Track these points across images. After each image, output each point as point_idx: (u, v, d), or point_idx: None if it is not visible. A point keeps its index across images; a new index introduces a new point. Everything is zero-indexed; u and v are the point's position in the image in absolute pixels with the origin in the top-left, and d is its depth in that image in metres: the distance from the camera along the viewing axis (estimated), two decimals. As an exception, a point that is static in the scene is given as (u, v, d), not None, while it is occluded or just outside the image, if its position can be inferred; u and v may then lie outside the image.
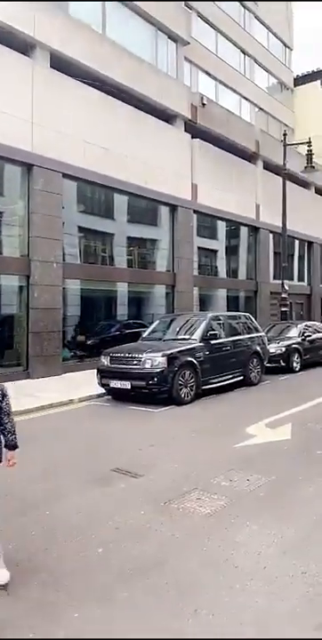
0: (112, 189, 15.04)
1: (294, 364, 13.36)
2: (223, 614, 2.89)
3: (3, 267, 12.02)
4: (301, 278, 26.45)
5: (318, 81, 33.11)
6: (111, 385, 9.37)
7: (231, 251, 21.68)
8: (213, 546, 3.71)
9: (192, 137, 18.03)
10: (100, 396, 9.86)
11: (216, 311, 17.19)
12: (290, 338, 14.00)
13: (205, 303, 19.43)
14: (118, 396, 9.54)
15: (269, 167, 22.42)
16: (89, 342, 14.55)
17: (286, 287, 18.01)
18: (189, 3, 20.07)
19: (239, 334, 11.46)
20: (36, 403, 9.06)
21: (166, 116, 17.13)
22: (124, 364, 9.29)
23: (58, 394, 9.91)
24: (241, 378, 10.99)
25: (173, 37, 18.02)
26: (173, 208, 17.19)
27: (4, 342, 12.55)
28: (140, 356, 9.14)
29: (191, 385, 9.36)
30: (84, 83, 13.74)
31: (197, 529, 3.98)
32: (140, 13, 16.50)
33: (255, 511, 4.29)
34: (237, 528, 3.98)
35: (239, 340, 11.29)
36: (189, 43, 18.83)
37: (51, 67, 12.94)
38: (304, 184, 25.90)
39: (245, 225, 21.50)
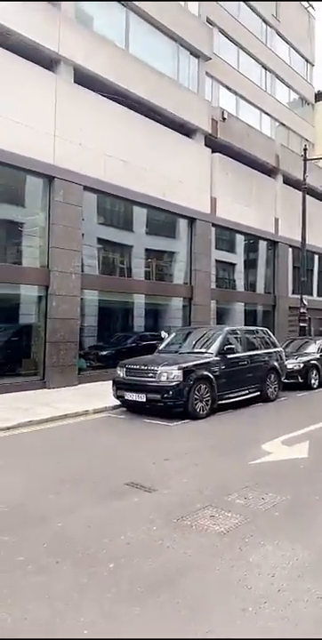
0: (131, 202, 15.17)
1: (312, 381, 13.17)
2: (235, 637, 2.82)
3: (22, 277, 12.18)
4: (320, 293, 26.16)
5: (340, 96, 32.98)
6: (126, 397, 9.35)
7: (250, 264, 21.60)
8: (226, 565, 3.64)
9: (212, 151, 18.12)
10: (115, 407, 9.85)
11: (234, 325, 17.08)
12: (308, 354, 13.83)
13: (222, 317, 19.35)
14: (133, 409, 9.52)
15: (288, 181, 22.37)
16: (104, 353, 14.60)
17: (305, 302, 17.85)
18: (212, 19, 20.26)
19: (256, 349, 11.35)
20: (51, 413, 9.09)
21: (187, 130, 17.25)
22: (139, 377, 9.27)
23: (73, 404, 9.94)
24: (258, 393, 10.87)
25: (194, 53, 18.19)
26: (192, 221, 17.23)
27: (22, 351, 12.67)
28: (156, 368, 9.11)
29: (207, 399, 9.29)
30: (105, 97, 13.95)
31: (210, 547, 3.91)
32: (162, 29, 16.72)
33: (270, 531, 4.20)
34: (251, 548, 3.90)
35: (256, 354, 11.18)
36: (210, 58, 18.99)
37: (74, 81, 13.18)
38: (324, 199, 25.70)
39: (264, 239, 21.42)
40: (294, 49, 28.90)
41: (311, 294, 24.47)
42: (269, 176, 21.85)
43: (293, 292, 22.00)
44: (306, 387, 12.92)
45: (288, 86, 28.64)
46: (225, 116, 18.71)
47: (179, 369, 8.99)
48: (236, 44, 23.30)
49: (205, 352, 10.15)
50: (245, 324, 18.92)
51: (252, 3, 24.24)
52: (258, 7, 24.85)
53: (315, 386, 13.19)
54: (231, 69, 22.94)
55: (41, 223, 12.63)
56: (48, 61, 12.64)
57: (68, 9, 13.19)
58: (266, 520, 4.44)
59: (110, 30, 15.02)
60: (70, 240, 12.71)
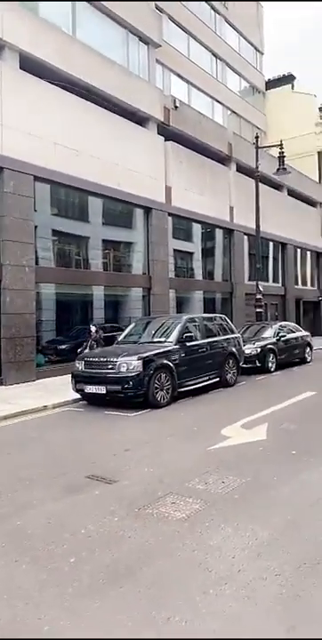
0: (86, 192, 14.94)
1: (270, 365, 13.49)
2: (196, 621, 2.84)
3: (-27, 272, 11.77)
4: (275, 279, 26.77)
5: (289, 85, 33.67)
6: (86, 390, 9.25)
7: (207, 253, 21.79)
8: (187, 551, 3.66)
9: (165, 139, 18.06)
10: (75, 401, 9.73)
11: (193, 313, 17.22)
12: (265, 338, 14.13)
13: (181, 305, 19.47)
14: (94, 402, 9.43)
15: (242, 170, 22.64)
16: (63, 347, 14.39)
17: (261, 288, 18.17)
18: (160, 5, 20.12)
19: (215, 336, 11.48)
20: (9, 410, 8.88)
21: (139, 119, 17.11)
22: (98, 369, 9.19)
23: (32, 400, 9.74)
24: (217, 379, 11.02)
25: (144, 40, 18.02)
26: (148, 210, 17.17)
27: (-24, 349, 12.28)
28: (115, 359, 9.05)
29: (167, 388, 9.32)
30: (54, 85, 13.61)
31: (171, 534, 3.92)
32: (110, 15, 16.45)
33: (230, 514, 4.26)
34: (211, 531, 3.94)
35: (215, 341, 11.31)
36: (160, 45, 18.87)
37: (20, 68, 12.77)
38: (277, 186, 26.24)
39: (220, 227, 21.64)
40: (244, 37, 29.20)
41: (267, 280, 25.01)
42: (223, 164, 22.05)
43: (250, 279, 22.38)
44: (264, 370, 13.21)
45: (239, 74, 28.95)
46: (177, 104, 18.68)
47: (138, 359, 8.97)
48: (186, 31, 23.28)
49: (165, 341, 10.18)
50: (205, 312, 19.13)
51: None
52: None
53: (272, 369, 13.52)
54: (182, 57, 22.93)
55: (-9, 216, 12.23)
56: (-8, 47, 12.19)
57: (11, -7, 12.72)
58: (226, 503, 4.49)
59: (57, 16, 14.61)
60: (22, 232, 12.38)
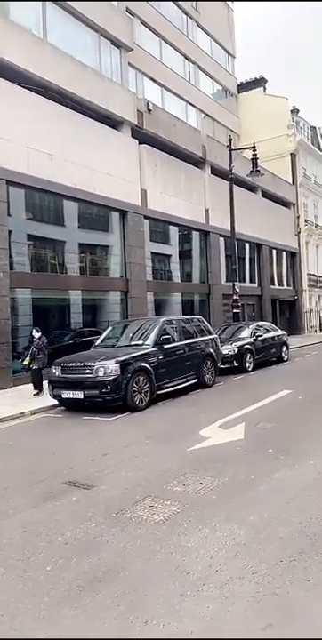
0: (60, 196, 14.84)
1: (247, 364, 13.61)
2: (174, 623, 2.84)
3: None
4: (252, 280, 27.07)
5: (261, 88, 34.12)
6: (63, 395, 9.17)
7: (184, 255, 21.89)
8: (165, 553, 3.66)
9: (139, 143, 18.08)
10: (52, 407, 9.64)
11: (171, 315, 17.25)
12: (242, 338, 14.26)
13: (160, 308, 19.50)
14: (72, 407, 9.36)
15: (216, 172, 22.84)
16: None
17: (237, 289, 18.35)
18: (131, 9, 20.15)
19: (192, 337, 11.54)
20: (-16, 419, 8.73)
21: (112, 122, 17.10)
22: (75, 374, 9.12)
23: (8, 407, 9.61)
24: (195, 380, 11.06)
25: (116, 43, 18.03)
26: (123, 214, 17.16)
27: None
28: (93, 364, 9.00)
29: (146, 391, 9.31)
30: (26, 88, 13.48)
31: (149, 537, 3.91)
32: (81, 19, 16.42)
33: (208, 514, 4.27)
34: (189, 533, 3.94)
35: (192, 342, 11.36)
36: (132, 49, 18.91)
37: (-10, 72, 12.63)
38: (251, 188, 26.56)
39: (196, 229, 21.77)
40: (215, 41, 29.45)
41: (244, 281, 25.25)
42: (197, 167, 22.20)
43: (227, 280, 22.57)
44: (241, 370, 13.33)
45: (211, 78, 29.19)
46: (150, 108, 18.74)
47: (116, 362, 8.94)
48: (158, 35, 23.36)
49: (143, 344, 10.18)
50: (183, 314, 19.20)
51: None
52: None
53: (250, 369, 13.65)
54: (155, 61, 22.99)
55: None
56: None
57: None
58: (204, 504, 4.51)
59: (26, 18, 14.49)
60: (-4, 238, 12.22)
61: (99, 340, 11.37)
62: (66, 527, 4.16)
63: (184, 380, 10.69)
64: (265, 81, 34.75)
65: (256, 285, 27.32)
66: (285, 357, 16.31)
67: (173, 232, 20.93)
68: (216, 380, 11.84)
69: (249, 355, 13.84)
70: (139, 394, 9.14)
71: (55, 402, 9.60)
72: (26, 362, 11.10)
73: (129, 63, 19.42)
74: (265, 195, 28.71)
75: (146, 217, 18.23)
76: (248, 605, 2.97)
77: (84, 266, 16.33)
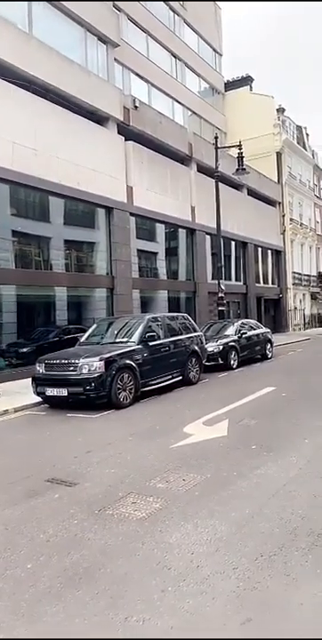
0: (46, 192, 14.72)
1: (232, 362, 13.69)
2: (154, 619, 2.85)
3: None
4: (237, 278, 27.21)
5: (247, 86, 34.26)
6: (47, 393, 9.12)
7: (170, 252, 21.91)
8: (146, 550, 3.67)
9: (126, 139, 18.02)
10: (36, 404, 9.58)
11: (157, 313, 17.25)
12: (227, 336, 14.34)
13: (146, 305, 19.49)
14: (56, 404, 9.31)
15: (202, 170, 22.88)
16: (24, 350, 14.13)
17: (223, 287, 18.42)
18: (118, 4, 20.05)
19: (178, 334, 11.56)
20: None
21: (98, 118, 17.01)
22: (60, 371, 9.07)
23: (-9, 405, 9.50)
24: (180, 377, 11.09)
25: (102, 39, 17.93)
26: (109, 210, 17.10)
27: None
28: (77, 361, 8.96)
29: (130, 388, 9.31)
30: (11, 83, 13.34)
31: (131, 534, 3.92)
32: (67, 14, 16.29)
33: (190, 511, 4.29)
34: (171, 529, 3.96)
35: (178, 340, 11.38)
36: (118, 45, 18.83)
37: (-26, 65, 12.47)
38: (237, 186, 26.66)
39: (183, 227, 21.79)
40: (203, 38, 29.48)
41: (230, 279, 25.38)
42: (184, 164, 22.21)
43: (213, 278, 22.65)
44: (226, 367, 13.40)
45: (198, 75, 29.21)
46: (137, 104, 18.68)
47: (100, 360, 8.92)
48: (145, 31, 23.29)
49: (128, 341, 10.17)
50: (169, 312, 19.22)
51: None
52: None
53: (234, 366, 13.73)
54: (141, 57, 22.93)
55: None
56: None
57: None
58: (186, 500, 4.53)
59: (12, 13, 14.33)
60: (-20, 234, 12.08)
61: (83, 338, 11.32)
62: (47, 525, 4.15)
63: (169, 377, 10.72)
64: (251, 79, 34.91)
65: (241, 283, 27.47)
66: (270, 355, 16.44)
67: (160, 229, 20.92)
68: (201, 378, 11.89)
69: (234, 352, 13.92)
70: (123, 391, 9.13)
71: (39, 399, 9.54)
72: None
73: (115, 59, 19.34)
74: (251, 193, 28.86)
75: (132, 214, 18.19)
76: (228, 600, 3.00)
77: (70, 262, 16.24)
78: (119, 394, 9.02)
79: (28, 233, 15.05)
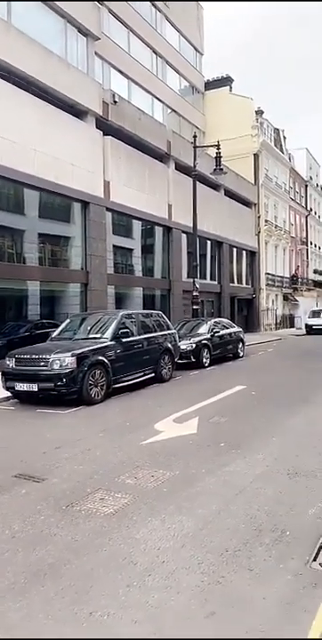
0: (21, 184, 14.48)
1: (204, 360, 13.80)
2: (119, 613, 2.87)
3: None
4: (212, 277, 27.40)
5: (227, 87, 34.48)
6: (17, 388, 9.00)
7: (146, 250, 21.89)
8: (113, 545, 3.68)
9: (104, 134, 17.90)
10: (5, 399, 9.45)
11: (132, 309, 17.21)
12: (200, 334, 14.44)
13: (120, 302, 19.43)
14: (26, 400, 9.21)
15: (180, 168, 22.92)
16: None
17: (197, 285, 18.52)
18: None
19: (151, 332, 11.57)
20: None
21: (77, 112, 16.84)
22: (30, 366, 8.95)
23: None
24: (152, 375, 11.12)
25: (83, 31, 17.74)
26: (86, 205, 16.96)
27: None
28: (48, 356, 8.87)
29: (102, 384, 9.28)
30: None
31: (98, 530, 3.92)
32: (48, 4, 16.03)
33: (158, 507, 4.32)
34: (138, 525, 3.98)
35: (151, 337, 11.40)
36: (99, 38, 18.67)
37: None
38: (214, 186, 26.83)
39: (159, 224, 21.79)
40: (184, 37, 29.50)
41: (205, 278, 25.53)
42: (162, 162, 22.20)
43: (188, 276, 22.74)
44: (199, 365, 13.51)
45: (179, 73, 29.22)
46: (116, 100, 18.57)
47: (72, 356, 8.85)
48: (126, 26, 23.14)
49: (100, 337, 10.13)
50: (144, 309, 19.20)
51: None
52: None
53: (206, 364, 13.84)
54: (122, 52, 22.78)
55: None
56: None
57: None
58: (154, 496, 4.56)
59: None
60: None
61: (56, 333, 11.21)
62: (13, 520, 4.11)
63: (141, 374, 10.72)
64: (231, 80, 35.15)
65: (216, 282, 27.69)
66: (241, 354, 16.65)
67: (136, 226, 20.87)
68: (173, 375, 11.95)
69: (206, 350, 14.03)
70: (95, 387, 9.10)
71: (8, 394, 9.41)
72: None
73: (96, 53, 19.16)
74: (228, 193, 29.09)
75: (108, 209, 18.09)
76: (193, 595, 3.04)
77: (44, 256, 16.04)
78: (91, 390, 8.98)
79: (1, 225, 14.77)
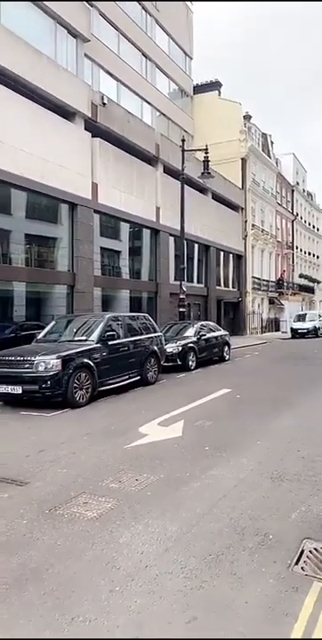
0: (9, 184, 14.37)
1: (190, 363, 13.83)
2: (101, 619, 2.86)
3: None
4: (199, 280, 27.49)
5: (216, 91, 34.68)
6: (0, 390, 8.88)
7: (134, 252, 21.87)
8: (96, 550, 3.66)
9: (92, 136, 17.86)
10: (-11, 401, 9.34)
11: (118, 312, 17.19)
12: (186, 337, 14.47)
13: (107, 304, 19.37)
14: (9, 402, 9.12)
15: (168, 171, 22.96)
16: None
17: (184, 288, 18.57)
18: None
19: (137, 334, 11.56)
20: None
21: (65, 113, 16.78)
22: (14, 368, 8.87)
23: None
24: (138, 378, 11.10)
25: (72, 33, 17.71)
26: (73, 206, 16.89)
27: None
28: (33, 358, 8.80)
29: (87, 387, 9.24)
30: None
31: (81, 534, 3.90)
32: (37, 4, 15.97)
33: (142, 511, 4.32)
34: (122, 529, 3.97)
35: (137, 340, 11.39)
36: (89, 40, 18.64)
37: None
38: (202, 189, 26.93)
39: (147, 227, 21.80)
40: (174, 40, 29.62)
41: (192, 281, 25.61)
42: (150, 165, 22.23)
43: (175, 279, 22.79)
44: (184, 368, 13.53)
45: (168, 77, 29.33)
46: (105, 101, 18.55)
47: (58, 358, 8.80)
48: (116, 29, 23.16)
49: (86, 339, 10.09)
50: (131, 311, 19.18)
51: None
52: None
53: (192, 367, 13.88)
54: (112, 54, 22.78)
55: None
56: None
57: None
58: (138, 500, 4.55)
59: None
60: None
61: (41, 335, 11.14)
62: (-4, 524, 4.07)
63: (127, 377, 10.70)
64: (220, 85, 35.37)
65: (203, 286, 27.78)
66: (227, 357, 16.72)
67: (124, 228, 20.86)
68: (159, 378, 11.95)
69: (192, 353, 14.07)
70: (80, 390, 9.05)
71: (-8, 396, 9.31)
72: None
73: (85, 54, 19.13)
74: (215, 197, 29.23)
75: (96, 211, 18.05)
76: (175, 599, 3.04)
77: (30, 257, 15.93)
78: (76, 393, 8.93)
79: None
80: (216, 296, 29.02)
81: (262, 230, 37.80)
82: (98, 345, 9.89)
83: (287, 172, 46.30)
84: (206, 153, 19.18)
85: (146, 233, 22.14)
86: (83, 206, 17.12)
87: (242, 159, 33.81)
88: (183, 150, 18.99)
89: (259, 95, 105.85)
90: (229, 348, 17.05)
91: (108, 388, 9.97)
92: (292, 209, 47.22)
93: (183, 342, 13.98)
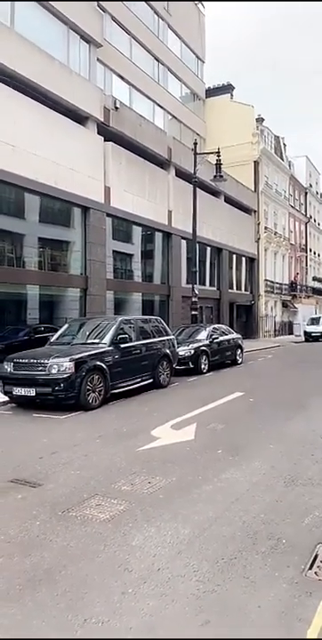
0: (21, 188, 14.53)
1: (202, 366, 13.79)
2: (113, 620, 2.86)
3: None
4: (211, 283, 27.44)
5: (228, 94, 34.66)
6: (14, 392, 8.98)
7: (146, 255, 21.93)
8: (108, 552, 3.67)
9: (105, 140, 17.97)
10: (3, 404, 9.43)
11: (130, 315, 17.23)
12: (199, 340, 14.43)
13: (119, 307, 19.45)
14: (23, 404, 9.19)
15: (180, 174, 23.01)
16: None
17: (196, 292, 18.56)
18: (103, 4, 20.00)
19: (149, 337, 11.57)
20: None
21: (78, 117, 16.92)
22: (28, 370, 8.94)
23: None
24: (150, 380, 11.11)
25: (85, 38, 17.85)
26: (86, 210, 17.00)
27: None
28: (46, 361, 8.86)
29: (100, 390, 9.27)
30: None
31: (94, 536, 3.91)
32: (51, 11, 16.18)
33: (154, 513, 4.31)
34: (134, 532, 3.97)
35: (149, 343, 11.39)
36: (101, 45, 18.78)
37: None
38: (214, 192, 26.91)
39: (159, 230, 21.85)
40: (186, 44, 29.68)
41: (204, 284, 25.58)
42: (162, 168, 22.29)
43: (187, 282, 22.79)
44: (197, 372, 13.50)
45: (180, 80, 29.39)
46: (117, 105, 18.65)
47: (71, 360, 8.84)
48: (129, 33, 23.29)
49: (99, 342, 10.12)
50: (143, 314, 19.22)
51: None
52: (149, -1, 25.04)
53: (205, 370, 13.84)
54: (124, 59, 22.91)
55: None
56: None
57: None
58: (151, 503, 4.55)
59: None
60: None
61: (54, 337, 11.20)
62: (9, 525, 4.10)
63: (139, 379, 10.71)
64: (232, 88, 35.35)
65: (215, 289, 27.73)
66: (240, 360, 16.65)
67: (136, 231, 20.92)
68: (171, 381, 11.94)
69: (204, 356, 14.03)
70: (92, 392, 9.08)
71: (6, 399, 9.40)
72: None
73: (98, 59, 19.27)
74: (228, 200, 29.18)
75: (109, 214, 18.14)
76: (188, 603, 3.03)
77: (43, 261, 16.07)
78: (88, 395, 8.97)
79: (1, 229, 14.81)
80: (229, 299, 28.92)
81: (275, 233, 37.61)
82: (110, 348, 9.92)
83: (300, 174, 46.06)
84: (219, 156, 19.17)
85: (158, 236, 22.18)
86: (95, 210, 17.22)
87: (254, 162, 33.73)
88: (195, 153, 19.00)
89: (272, 98, 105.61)
90: (241, 351, 16.97)
91: (120, 390, 9.99)
92: (305, 211, 46.94)
93: (196, 345, 13.96)
